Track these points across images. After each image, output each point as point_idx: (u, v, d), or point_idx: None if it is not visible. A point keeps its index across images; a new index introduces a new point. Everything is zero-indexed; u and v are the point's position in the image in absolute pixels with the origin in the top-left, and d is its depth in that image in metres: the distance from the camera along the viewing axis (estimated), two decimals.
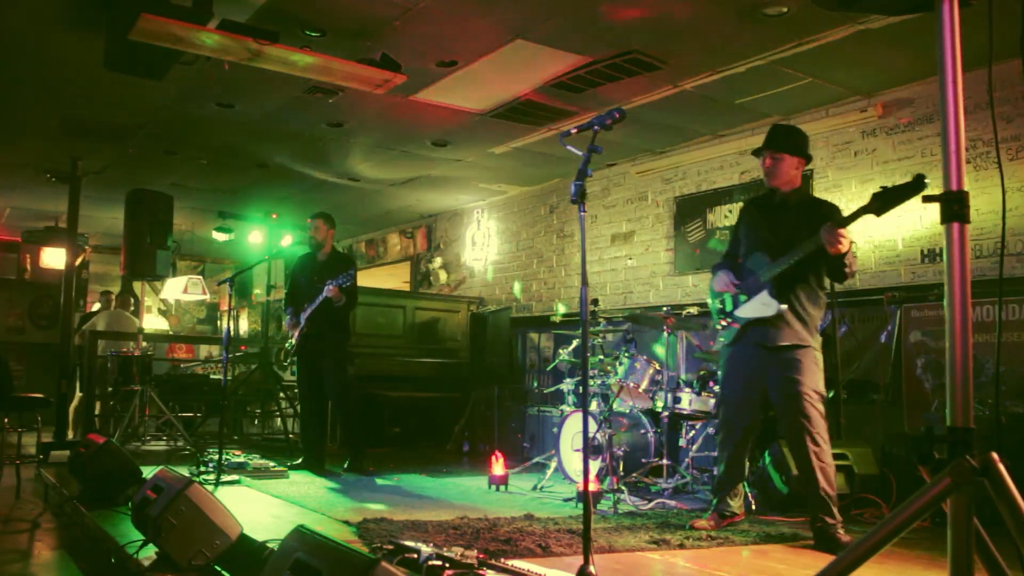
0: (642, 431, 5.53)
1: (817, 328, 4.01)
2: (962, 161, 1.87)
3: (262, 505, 4.45)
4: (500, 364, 8.96)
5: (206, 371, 10.22)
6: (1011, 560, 1.79)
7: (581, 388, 3.98)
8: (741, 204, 5.61)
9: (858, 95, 6.09)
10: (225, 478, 5.19)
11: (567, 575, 2.82)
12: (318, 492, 5.02)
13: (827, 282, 4.15)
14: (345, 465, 6.12)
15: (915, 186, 3.27)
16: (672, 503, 4.79)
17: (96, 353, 7.78)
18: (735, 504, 4.18)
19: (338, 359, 6.15)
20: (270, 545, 3.07)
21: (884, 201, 3.36)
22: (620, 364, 5.63)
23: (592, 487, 3.83)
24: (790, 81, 5.83)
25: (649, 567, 3.27)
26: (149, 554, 3.33)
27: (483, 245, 10.10)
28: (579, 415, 5.39)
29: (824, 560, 1.97)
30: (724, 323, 4.18)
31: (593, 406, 5.58)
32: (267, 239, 9.70)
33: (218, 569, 3.21)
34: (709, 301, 4.35)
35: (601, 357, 5.91)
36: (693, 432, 5.53)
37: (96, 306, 10.72)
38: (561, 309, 8.65)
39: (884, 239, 5.94)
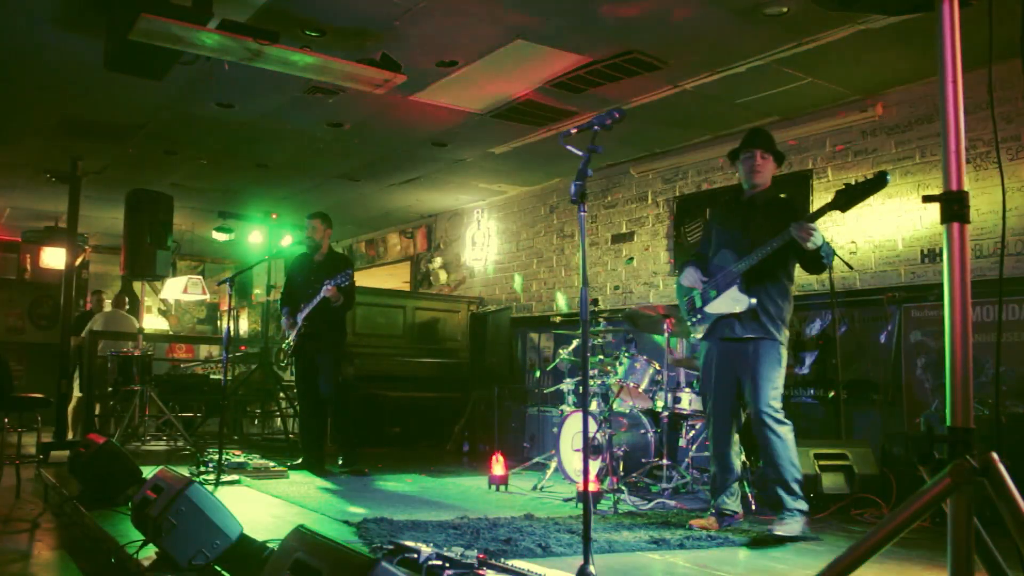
0: (642, 431, 5.53)
1: (785, 322, 4.14)
2: (962, 161, 1.87)
3: (262, 505, 4.45)
4: (500, 364, 8.96)
5: (206, 371, 10.22)
6: (1011, 560, 1.79)
7: (581, 388, 3.99)
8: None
9: (858, 95, 6.09)
10: (225, 478, 5.19)
11: (567, 575, 2.82)
12: (318, 492, 5.02)
13: (811, 277, 4.19)
14: (340, 461, 6.10)
15: (877, 182, 3.48)
16: (672, 503, 4.79)
17: (96, 353, 7.78)
18: (734, 504, 4.18)
19: (335, 358, 6.15)
20: (270, 545, 3.07)
21: (849, 198, 3.57)
22: (620, 364, 5.63)
23: (592, 487, 3.84)
24: (790, 81, 5.83)
25: (649, 567, 3.27)
26: (149, 554, 3.33)
27: (483, 245, 10.11)
28: (579, 415, 5.40)
29: (824, 560, 1.96)
30: (695, 319, 4.30)
31: (593, 406, 5.58)
32: (267, 239, 9.70)
33: (218, 569, 3.20)
34: (678, 299, 4.47)
35: (601, 357, 5.91)
36: (693, 432, 5.53)
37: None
38: (561, 301, 8.67)
39: (884, 239, 5.94)
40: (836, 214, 4.92)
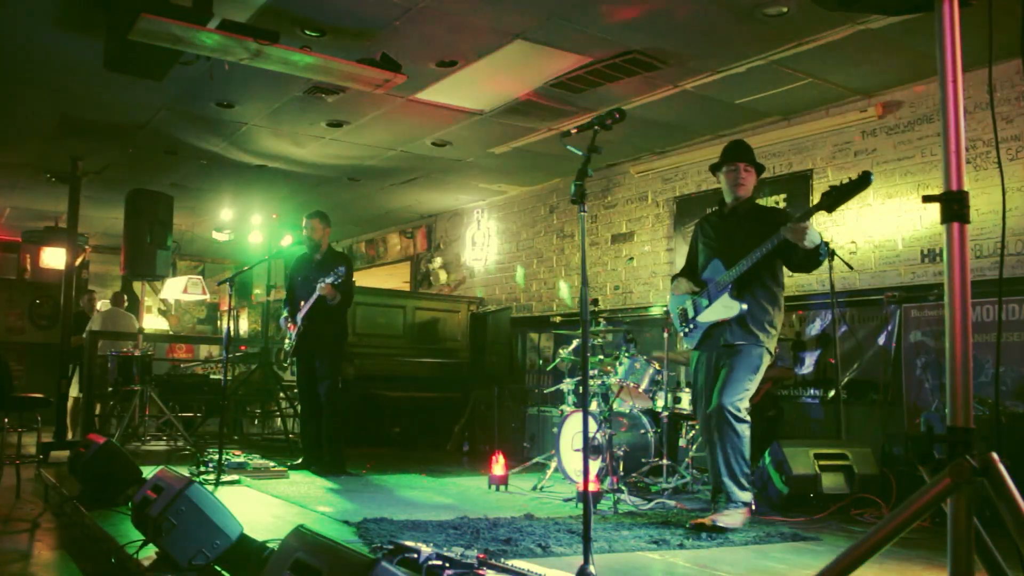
0: (642, 431, 5.53)
1: (775, 327, 4.20)
2: (962, 161, 1.87)
3: (262, 505, 4.44)
4: (500, 364, 8.96)
5: (206, 371, 10.21)
6: (1011, 560, 1.79)
7: (581, 388, 3.99)
8: None
9: (858, 95, 6.09)
10: (225, 478, 5.19)
11: (567, 575, 2.82)
12: (318, 492, 5.02)
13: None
14: (325, 459, 6.04)
15: (861, 182, 3.56)
16: (672, 503, 4.79)
17: (96, 353, 7.78)
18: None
19: (333, 358, 6.12)
20: (270, 545, 3.07)
21: (834, 199, 3.65)
22: (620, 364, 5.63)
23: (592, 487, 3.83)
24: (790, 81, 5.83)
25: (649, 567, 3.27)
26: (149, 554, 3.33)
27: (483, 245, 10.11)
28: (579, 415, 5.39)
29: (824, 560, 1.96)
30: (687, 329, 4.36)
31: (593, 406, 5.58)
32: (267, 239, 9.70)
33: (218, 569, 3.21)
34: (671, 311, 4.54)
35: (601, 357, 5.91)
36: (693, 432, 5.53)
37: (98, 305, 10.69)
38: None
39: (884, 239, 5.94)
40: (837, 214, 4.94)
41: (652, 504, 4.74)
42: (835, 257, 5.59)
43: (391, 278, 11.94)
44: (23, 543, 4.08)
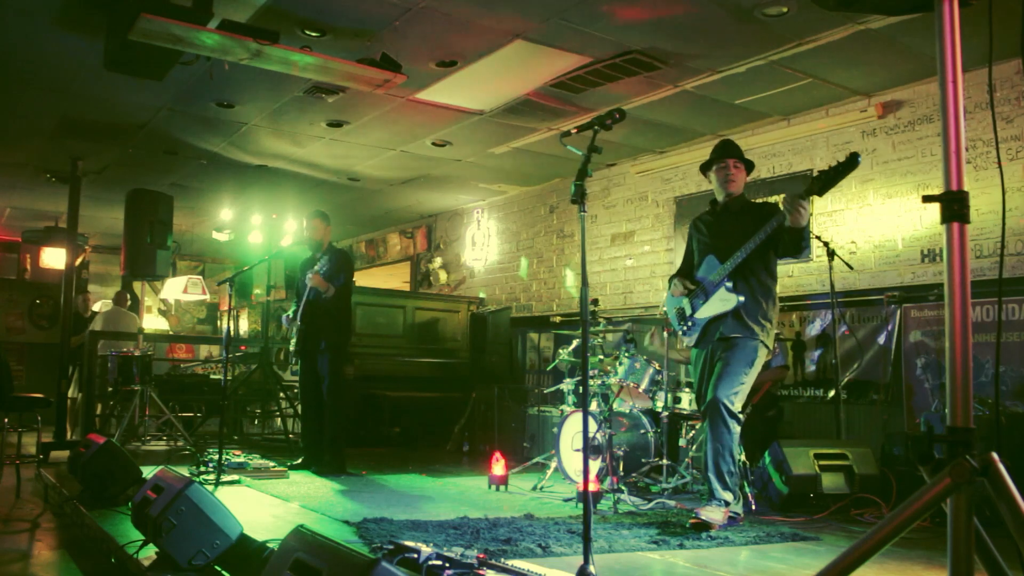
0: (642, 431, 5.53)
1: (770, 320, 4.22)
2: (962, 161, 1.87)
3: (262, 505, 4.44)
4: (500, 364, 8.96)
5: (206, 371, 10.21)
6: (1011, 560, 1.79)
7: (581, 388, 3.99)
8: None
9: (858, 95, 6.09)
10: (225, 478, 5.19)
11: (567, 575, 2.82)
12: (318, 492, 5.02)
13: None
14: (325, 459, 6.06)
15: (849, 164, 3.67)
16: (672, 503, 4.79)
17: (96, 353, 7.78)
18: (736, 505, 4.18)
19: (334, 358, 6.09)
20: (270, 545, 3.07)
21: (824, 182, 3.76)
22: (620, 364, 5.63)
23: (592, 487, 3.84)
24: (790, 81, 5.83)
25: (649, 567, 3.27)
26: (149, 554, 3.33)
27: (483, 245, 10.11)
28: (579, 415, 5.39)
29: (824, 560, 1.97)
30: (686, 327, 4.39)
31: (593, 406, 5.58)
32: (267, 239, 9.70)
33: (218, 569, 3.21)
34: (668, 312, 4.57)
35: (601, 357, 5.91)
36: (693, 432, 5.53)
37: (97, 306, 10.69)
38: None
39: (884, 239, 5.94)
40: (837, 214, 4.95)
41: (652, 504, 4.74)
42: (835, 257, 5.59)
43: (391, 278, 11.94)
44: (23, 543, 4.08)
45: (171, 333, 13.69)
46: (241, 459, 5.75)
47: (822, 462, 4.75)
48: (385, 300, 9.09)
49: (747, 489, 4.64)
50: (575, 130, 3.13)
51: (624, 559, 3.35)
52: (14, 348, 11.23)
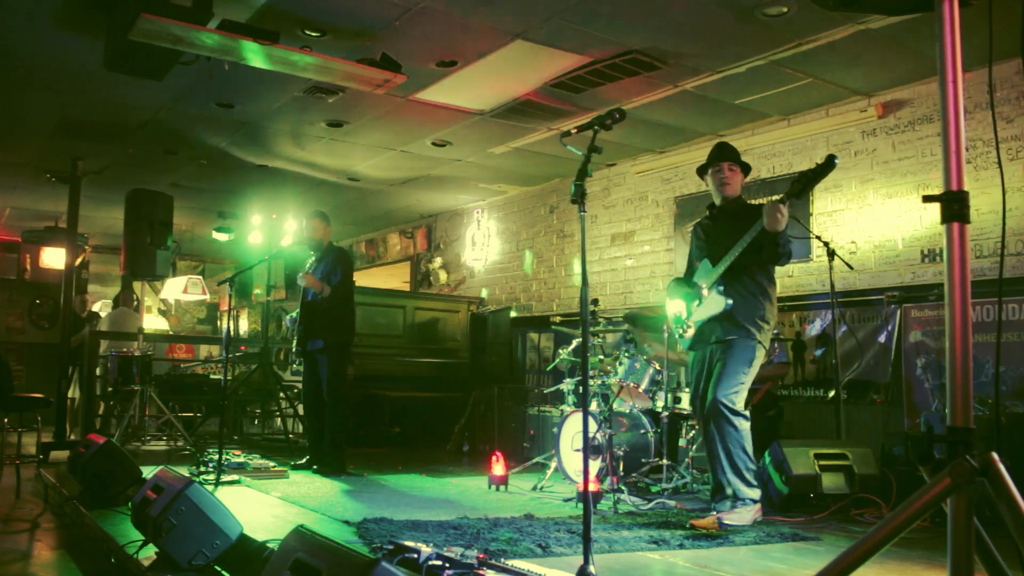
0: (642, 431, 5.53)
1: (766, 321, 4.22)
2: (962, 161, 1.87)
3: (262, 505, 4.44)
4: (500, 364, 8.96)
5: (206, 371, 10.21)
6: (1011, 560, 1.79)
7: (581, 388, 4.00)
8: None
9: (858, 95, 6.09)
10: (225, 478, 5.19)
11: (567, 575, 2.82)
12: (318, 492, 5.02)
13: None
14: (326, 459, 6.06)
15: (826, 166, 3.72)
16: (672, 503, 4.79)
17: (97, 353, 7.78)
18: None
19: (332, 358, 6.07)
20: (270, 545, 3.07)
21: (803, 185, 3.81)
22: (620, 364, 5.63)
23: (592, 487, 3.84)
24: (790, 81, 5.83)
25: (649, 567, 3.27)
26: (149, 554, 3.33)
27: (483, 245, 10.11)
28: (579, 415, 5.39)
29: (824, 560, 1.97)
30: (683, 330, 4.42)
31: (593, 406, 5.58)
32: (267, 239, 9.69)
33: (218, 569, 3.21)
34: (668, 316, 4.58)
35: (601, 357, 5.91)
36: (693, 432, 5.53)
37: (97, 306, 10.70)
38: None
39: (884, 239, 5.94)
40: (837, 214, 4.95)
41: (652, 504, 4.74)
42: (835, 257, 5.59)
43: (391, 278, 11.94)
44: (23, 543, 4.08)
45: (171, 333, 13.69)
46: (241, 459, 5.75)
47: (822, 462, 4.75)
48: (385, 300, 9.09)
49: None
50: (575, 130, 3.12)
51: (624, 559, 3.35)
52: (14, 348, 11.22)
